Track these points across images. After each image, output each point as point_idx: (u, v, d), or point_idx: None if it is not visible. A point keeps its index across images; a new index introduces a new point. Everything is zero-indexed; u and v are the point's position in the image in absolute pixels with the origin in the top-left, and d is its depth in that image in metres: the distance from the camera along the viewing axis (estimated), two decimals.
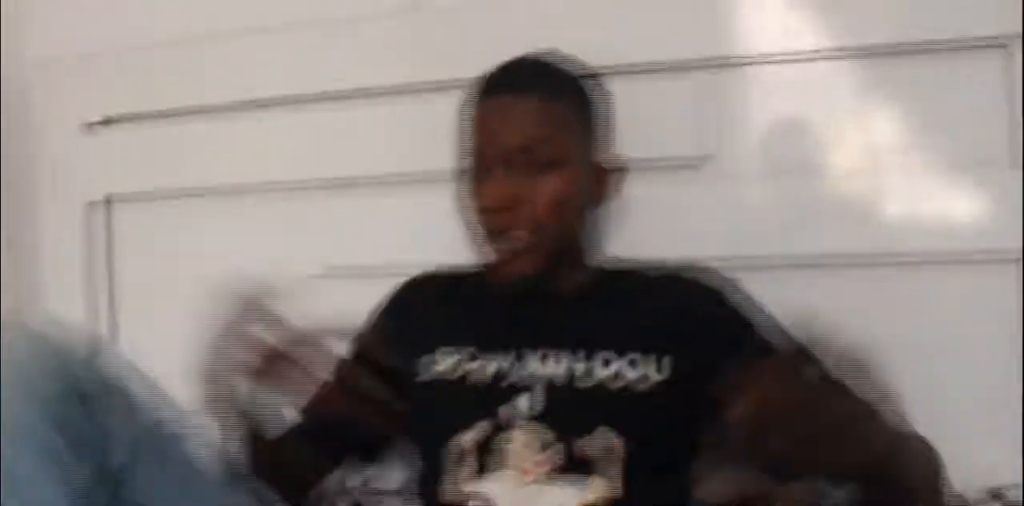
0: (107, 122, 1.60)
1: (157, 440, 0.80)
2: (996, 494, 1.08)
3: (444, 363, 1.06)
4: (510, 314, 1.07)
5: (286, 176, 1.50)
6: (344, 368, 0.95)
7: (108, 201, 1.60)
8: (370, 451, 1.16)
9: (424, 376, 1.06)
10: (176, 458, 0.82)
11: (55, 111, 1.62)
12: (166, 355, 0.84)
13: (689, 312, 1.03)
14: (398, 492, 1.26)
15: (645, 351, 1.00)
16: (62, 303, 1.59)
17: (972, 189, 1.23)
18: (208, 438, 0.87)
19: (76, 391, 0.73)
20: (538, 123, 1.00)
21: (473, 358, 1.05)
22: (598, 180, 1.06)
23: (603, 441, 0.96)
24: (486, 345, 1.05)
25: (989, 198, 1.22)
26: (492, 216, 1.00)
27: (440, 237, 1.36)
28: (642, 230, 1.26)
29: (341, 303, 1.38)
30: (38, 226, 1.64)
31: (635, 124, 1.14)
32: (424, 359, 1.07)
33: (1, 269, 1.60)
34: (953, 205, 1.24)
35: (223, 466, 0.87)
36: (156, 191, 1.58)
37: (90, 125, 1.60)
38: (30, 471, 0.69)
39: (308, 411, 1.01)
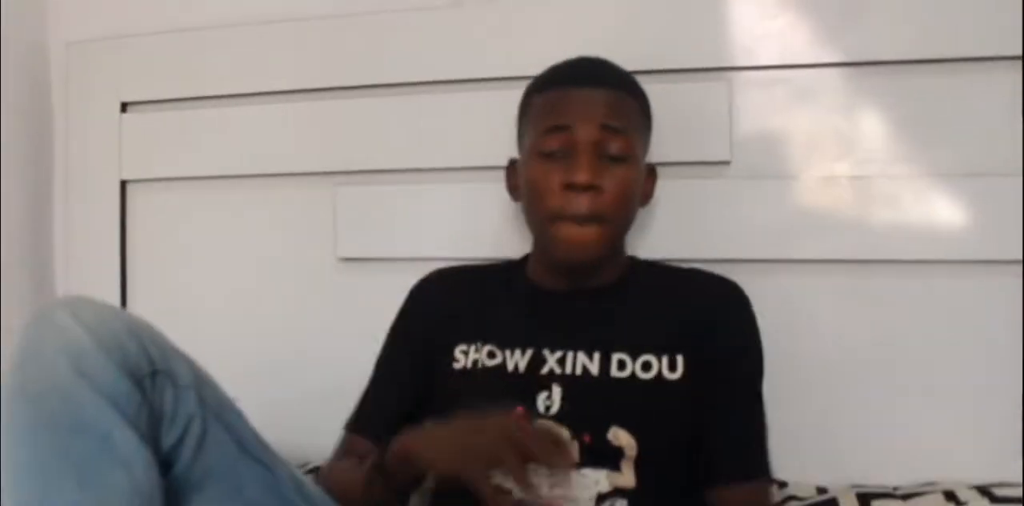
0: (139, 105, 1.63)
1: (206, 419, 0.82)
2: (984, 491, 1.13)
3: (466, 358, 1.11)
4: (535, 310, 1.13)
5: (309, 166, 1.54)
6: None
7: (140, 181, 1.64)
8: None
9: (451, 367, 1.11)
10: (227, 432, 0.84)
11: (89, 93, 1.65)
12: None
13: (710, 314, 1.09)
14: None
15: (659, 351, 1.05)
16: (93, 278, 1.62)
17: (977, 197, 1.28)
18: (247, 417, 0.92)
19: (134, 370, 0.75)
20: (621, 114, 1.07)
21: (492, 355, 1.10)
22: (647, 179, 1.13)
23: (616, 439, 1.02)
24: (506, 342, 1.10)
25: (993, 206, 1.27)
26: (576, 195, 1.04)
27: (455, 230, 1.43)
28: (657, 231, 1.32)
29: (357, 291, 1.47)
30: (71, 204, 1.67)
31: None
32: (451, 350, 1.12)
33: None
34: (958, 212, 1.28)
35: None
36: (182, 175, 1.61)
37: (124, 107, 1.63)
38: (90, 462, 0.71)
39: None
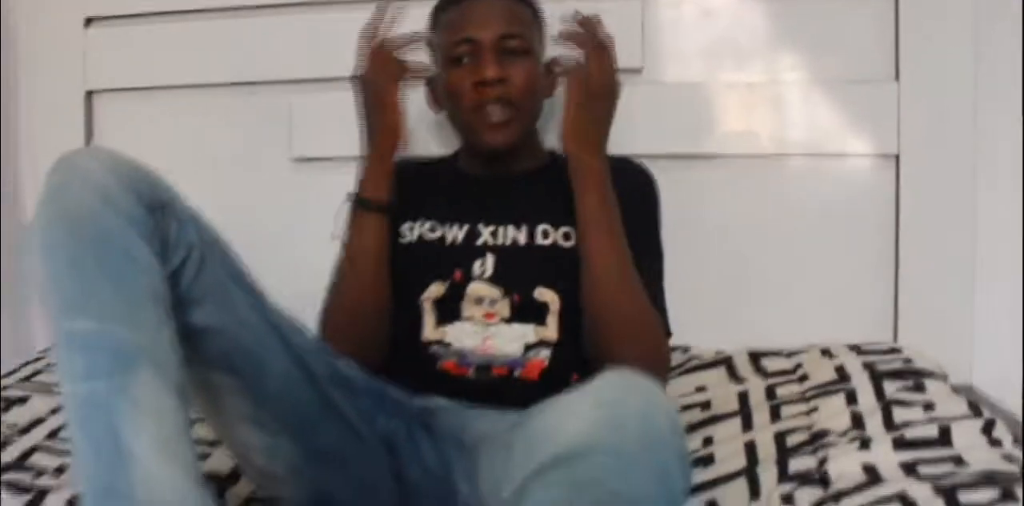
0: (102, 20, 1.74)
1: (204, 246, 0.94)
2: (854, 347, 1.33)
3: (412, 233, 1.27)
4: (468, 193, 1.29)
5: (265, 75, 1.66)
6: None
7: (102, 91, 1.75)
8: None
9: (399, 242, 1.27)
10: (220, 263, 0.97)
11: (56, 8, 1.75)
12: None
13: (617, 190, 1.25)
14: None
15: (575, 223, 1.21)
16: None
17: (858, 100, 1.47)
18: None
19: (148, 202, 0.87)
20: (514, 20, 1.25)
21: (433, 230, 1.27)
22: (547, 75, 1.30)
23: (541, 296, 1.19)
24: (445, 218, 1.27)
25: (870, 108, 1.46)
26: (488, 89, 1.21)
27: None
28: None
29: (311, 191, 1.61)
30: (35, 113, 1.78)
31: None
32: (398, 228, 1.28)
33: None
34: (841, 114, 1.48)
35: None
36: (145, 84, 1.73)
37: (88, 21, 1.74)
38: (119, 267, 0.84)
39: None
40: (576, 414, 0.76)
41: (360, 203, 1.25)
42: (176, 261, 0.91)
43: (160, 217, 0.88)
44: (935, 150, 1.42)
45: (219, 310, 0.95)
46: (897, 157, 1.45)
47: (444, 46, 1.26)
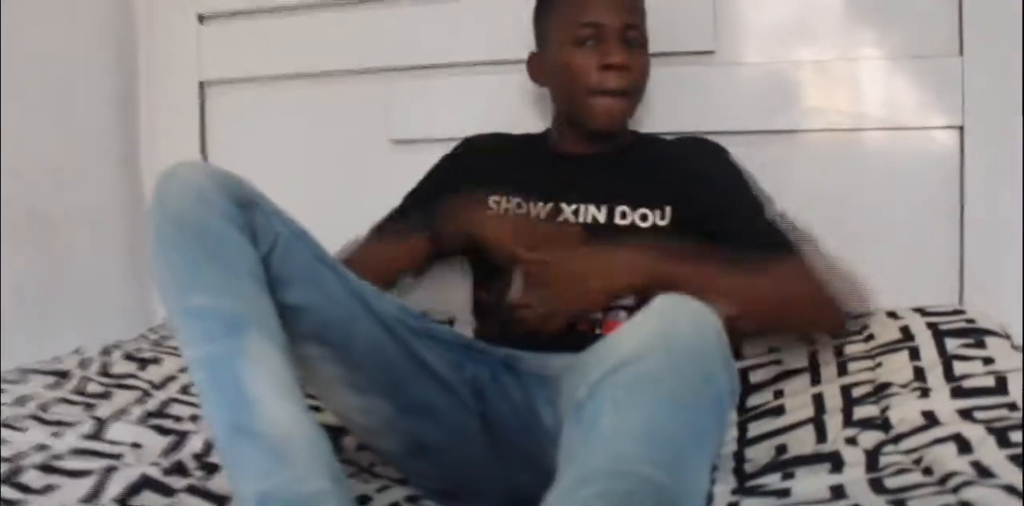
0: (214, 17, 1.91)
1: (289, 234, 1.07)
2: (919, 309, 1.40)
3: (498, 207, 1.38)
4: (553, 172, 1.40)
5: (365, 63, 1.80)
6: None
7: (214, 83, 1.92)
8: None
9: (485, 213, 1.37)
10: (305, 247, 1.09)
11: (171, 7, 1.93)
12: None
13: (694, 169, 1.35)
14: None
15: (653, 205, 1.32)
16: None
17: (922, 75, 1.54)
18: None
19: (238, 201, 1.01)
20: (635, 9, 1.36)
21: (520, 206, 1.37)
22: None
23: None
24: (531, 196, 1.37)
25: (935, 82, 1.53)
26: (614, 74, 1.31)
27: (494, 113, 1.70)
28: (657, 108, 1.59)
29: (408, 170, 1.74)
30: (153, 104, 1.96)
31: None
32: (485, 199, 1.39)
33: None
34: (906, 88, 1.55)
35: None
36: (253, 75, 1.89)
37: (201, 17, 1.90)
38: (220, 252, 0.98)
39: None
40: (636, 328, 0.88)
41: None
42: (265, 247, 1.04)
43: (249, 212, 1.02)
44: (997, 121, 1.48)
45: (308, 288, 1.08)
46: (961, 128, 1.51)
47: (567, 26, 1.34)
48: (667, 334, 0.86)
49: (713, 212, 1.31)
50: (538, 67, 1.44)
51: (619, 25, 1.32)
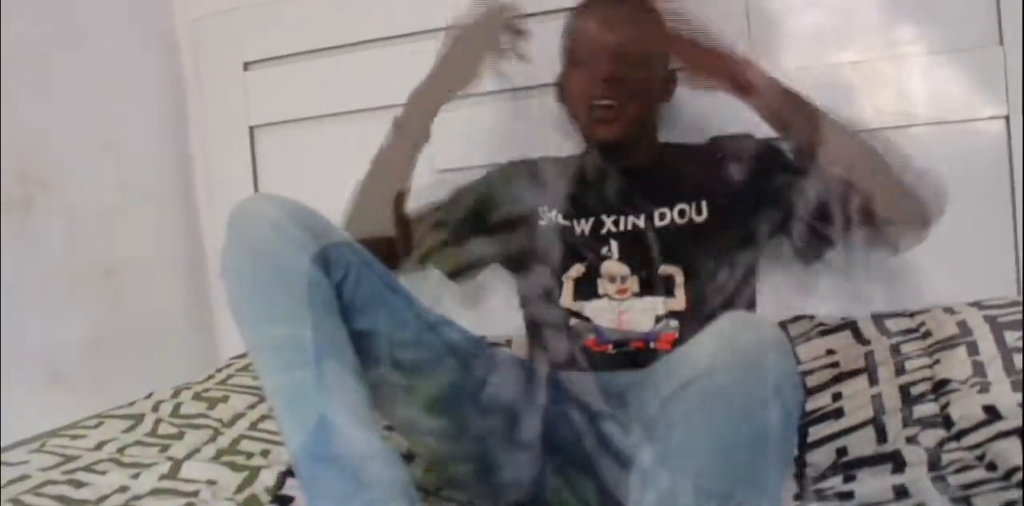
0: (257, 63, 1.97)
1: (360, 263, 1.11)
2: (975, 303, 1.38)
3: (544, 223, 1.40)
4: (592, 187, 1.42)
5: (400, 98, 1.84)
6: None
7: (263, 126, 1.98)
8: None
9: (532, 228, 1.41)
10: (376, 275, 1.13)
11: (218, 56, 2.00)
12: None
13: (722, 158, 1.35)
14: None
15: (687, 200, 1.33)
16: None
17: (964, 67, 1.52)
18: None
19: (311, 231, 1.06)
20: (633, 26, 1.33)
21: (567, 221, 1.39)
22: (668, 80, 1.40)
23: (665, 271, 1.31)
24: (573, 213, 1.39)
25: (978, 73, 1.51)
26: (604, 88, 1.29)
27: (535, 136, 1.72)
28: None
29: None
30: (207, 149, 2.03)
31: None
32: (529, 216, 1.42)
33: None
34: (949, 82, 1.54)
35: None
36: (299, 116, 1.94)
37: (247, 64, 1.97)
38: (295, 283, 1.03)
39: None
40: (704, 344, 0.90)
41: (397, 127, 1.43)
42: (338, 276, 1.08)
43: (321, 241, 1.06)
44: None
45: (378, 314, 1.12)
46: (1007, 118, 1.49)
47: (563, 44, 1.39)
48: (734, 348, 0.88)
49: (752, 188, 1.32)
50: (558, 89, 1.47)
51: (608, 48, 1.30)
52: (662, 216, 1.34)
